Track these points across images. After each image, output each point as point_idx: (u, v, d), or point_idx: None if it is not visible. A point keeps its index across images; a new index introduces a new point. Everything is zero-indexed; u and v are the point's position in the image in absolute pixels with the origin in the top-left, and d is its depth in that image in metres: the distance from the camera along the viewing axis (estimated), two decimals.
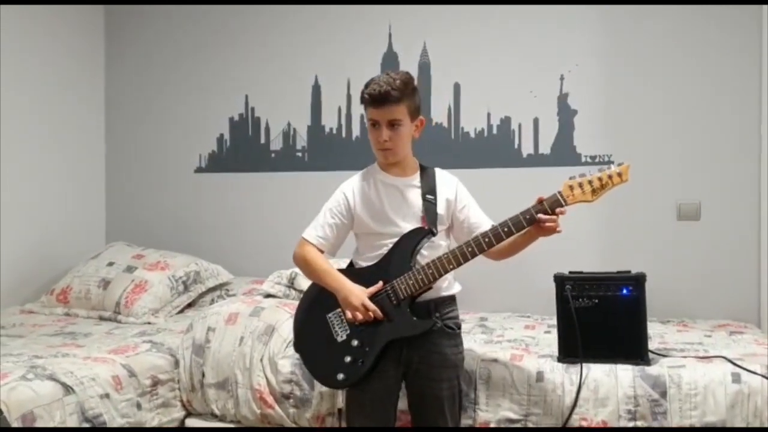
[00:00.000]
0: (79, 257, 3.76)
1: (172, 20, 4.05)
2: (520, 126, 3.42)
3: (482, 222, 2.17)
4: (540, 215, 2.02)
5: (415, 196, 2.16)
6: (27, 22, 3.69)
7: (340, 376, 2.11)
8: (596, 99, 3.31)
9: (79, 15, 4.02)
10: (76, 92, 4.02)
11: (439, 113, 3.53)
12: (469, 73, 3.49)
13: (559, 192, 2.04)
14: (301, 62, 3.77)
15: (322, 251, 2.19)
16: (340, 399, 2.37)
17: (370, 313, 2.04)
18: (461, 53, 3.50)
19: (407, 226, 2.12)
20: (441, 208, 2.15)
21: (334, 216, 2.20)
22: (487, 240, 2.03)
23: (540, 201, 2.04)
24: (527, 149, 3.41)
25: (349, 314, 2.07)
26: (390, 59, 3.60)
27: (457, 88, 3.51)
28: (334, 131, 3.73)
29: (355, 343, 2.09)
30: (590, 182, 2.03)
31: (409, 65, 3.54)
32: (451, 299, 2.19)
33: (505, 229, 2.02)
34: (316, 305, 2.19)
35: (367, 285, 2.09)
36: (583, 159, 3.31)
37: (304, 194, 3.72)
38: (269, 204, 3.83)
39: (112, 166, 4.19)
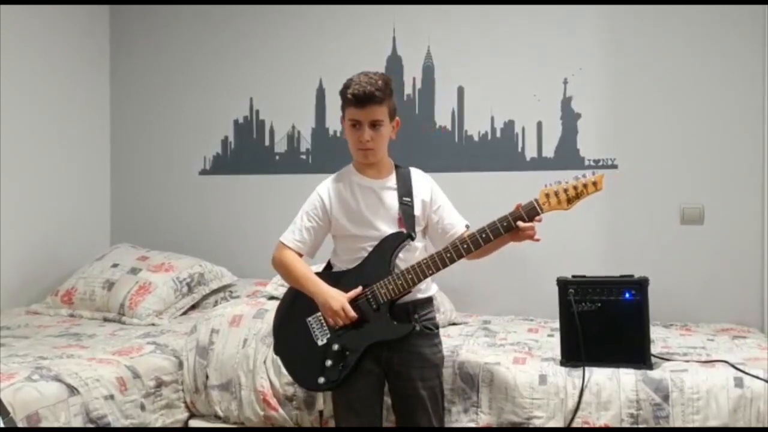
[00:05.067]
0: (84, 259, 3.77)
1: (178, 22, 4.06)
2: (523, 129, 3.42)
3: (456, 222, 2.20)
4: (519, 222, 2.04)
5: (391, 199, 2.17)
6: (32, 22, 3.71)
7: (321, 380, 2.12)
8: (600, 102, 3.31)
9: (84, 15, 4.04)
10: (81, 93, 4.03)
11: (443, 116, 3.54)
12: (473, 77, 3.50)
13: (536, 199, 2.06)
14: (305, 65, 3.78)
15: (300, 254, 2.21)
16: (321, 402, 2.39)
17: (350, 318, 2.06)
18: (465, 56, 3.50)
19: (385, 228, 2.13)
20: (417, 210, 2.17)
21: (311, 219, 2.22)
22: (465, 246, 2.06)
23: (518, 207, 2.07)
24: (531, 153, 3.41)
25: (330, 319, 2.09)
26: (394, 62, 3.62)
27: (461, 91, 3.51)
28: (338, 134, 3.73)
29: (335, 347, 2.10)
30: (566, 191, 2.05)
31: (413, 68, 3.56)
32: (428, 301, 2.21)
33: (483, 236, 2.05)
34: (295, 309, 2.20)
35: (346, 289, 2.10)
36: (587, 162, 3.32)
37: (308, 197, 3.72)
38: (273, 206, 3.83)
39: (117, 167, 4.21)
